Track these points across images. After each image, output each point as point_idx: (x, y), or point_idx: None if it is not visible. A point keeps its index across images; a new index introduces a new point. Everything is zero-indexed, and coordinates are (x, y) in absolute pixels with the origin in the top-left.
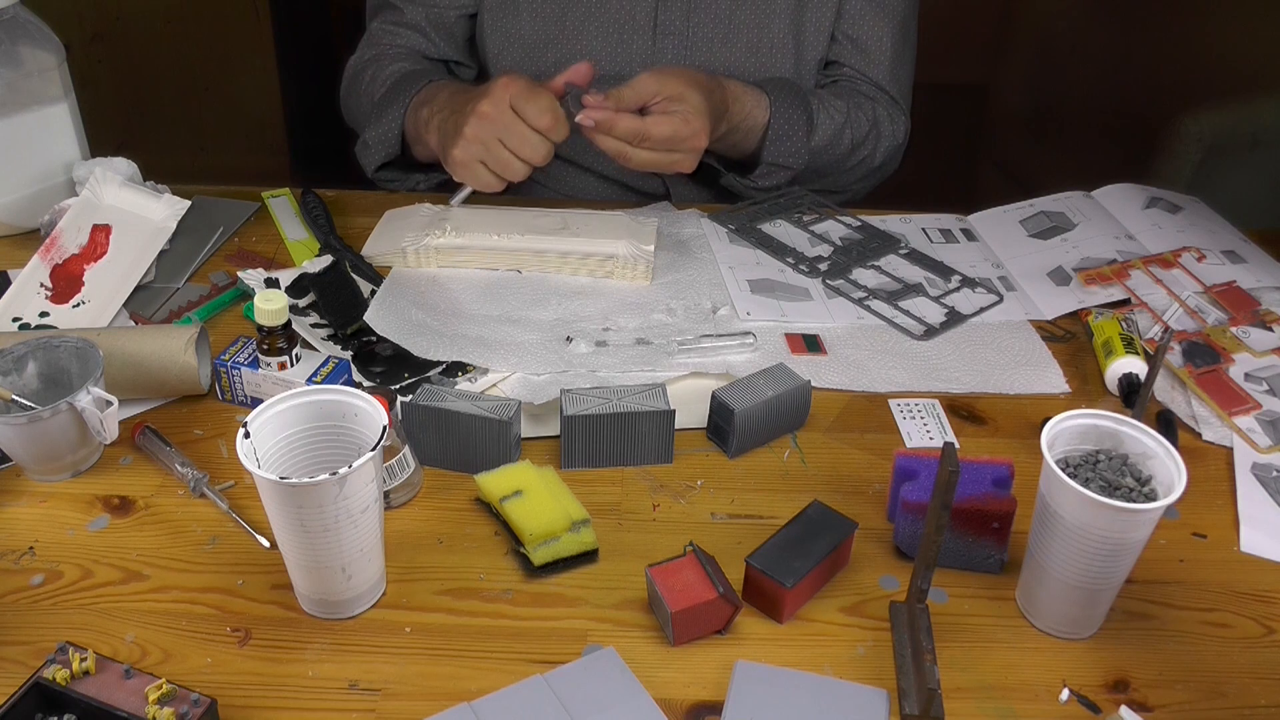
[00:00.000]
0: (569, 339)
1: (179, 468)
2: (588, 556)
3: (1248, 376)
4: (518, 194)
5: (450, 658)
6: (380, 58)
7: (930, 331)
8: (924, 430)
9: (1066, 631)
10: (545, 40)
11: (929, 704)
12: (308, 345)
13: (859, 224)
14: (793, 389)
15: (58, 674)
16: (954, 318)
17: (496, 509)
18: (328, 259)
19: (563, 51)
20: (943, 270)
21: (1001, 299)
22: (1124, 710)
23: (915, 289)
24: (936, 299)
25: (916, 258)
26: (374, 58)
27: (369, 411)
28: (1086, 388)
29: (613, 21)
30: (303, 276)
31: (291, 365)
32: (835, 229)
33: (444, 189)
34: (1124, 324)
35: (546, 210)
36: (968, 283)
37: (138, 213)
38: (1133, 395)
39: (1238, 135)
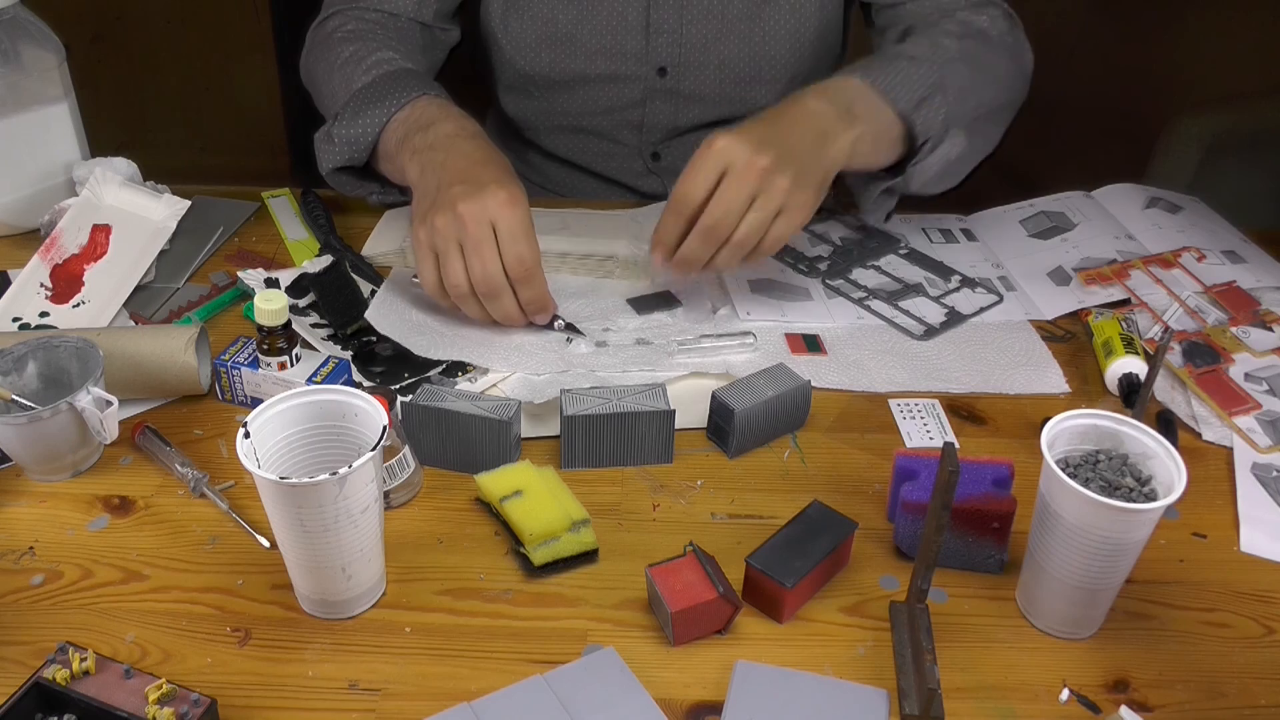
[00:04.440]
0: (569, 339)
1: (179, 468)
2: (588, 556)
3: (1248, 376)
4: None
5: (450, 658)
6: (364, 34)
7: (930, 331)
8: (924, 430)
9: (1066, 631)
10: (539, 40)
11: (929, 704)
12: (308, 345)
13: (859, 224)
14: (793, 389)
15: (58, 674)
16: (954, 318)
17: (496, 509)
18: (328, 259)
19: (557, 53)
20: (943, 270)
21: (1001, 299)
22: (1124, 710)
23: (915, 289)
24: (936, 299)
25: (916, 258)
26: (355, 32)
27: (369, 411)
28: (1086, 388)
29: (605, 22)
30: (303, 276)
31: (291, 365)
32: (835, 229)
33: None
34: (1124, 324)
35: (546, 210)
36: (968, 283)
37: (138, 213)
38: (1133, 395)
39: (1238, 135)
